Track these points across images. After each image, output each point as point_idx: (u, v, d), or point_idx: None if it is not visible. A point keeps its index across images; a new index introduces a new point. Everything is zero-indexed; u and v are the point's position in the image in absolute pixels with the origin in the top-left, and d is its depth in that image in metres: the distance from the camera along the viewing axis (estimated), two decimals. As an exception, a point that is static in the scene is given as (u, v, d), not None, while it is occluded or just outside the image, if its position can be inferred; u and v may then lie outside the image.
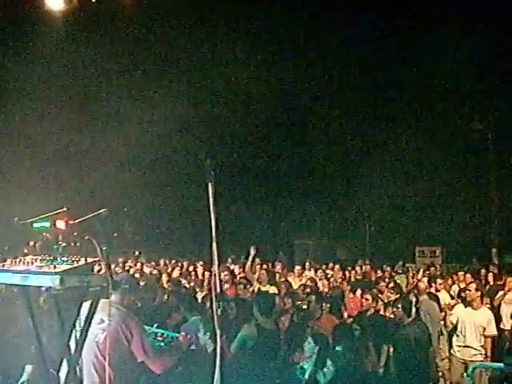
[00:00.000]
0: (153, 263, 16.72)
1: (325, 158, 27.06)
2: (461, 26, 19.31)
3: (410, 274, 15.06)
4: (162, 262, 17.48)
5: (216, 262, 3.90)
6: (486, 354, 8.86)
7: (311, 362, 6.56)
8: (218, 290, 3.94)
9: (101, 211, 3.92)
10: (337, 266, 16.48)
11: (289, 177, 27.80)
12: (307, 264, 16.25)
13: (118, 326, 4.88)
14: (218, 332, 3.93)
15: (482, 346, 8.93)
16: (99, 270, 4.32)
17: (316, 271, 14.88)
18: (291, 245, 28.50)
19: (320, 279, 13.11)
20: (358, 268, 16.65)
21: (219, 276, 4.11)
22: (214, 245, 3.89)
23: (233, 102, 23.73)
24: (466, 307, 9.24)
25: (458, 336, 9.19)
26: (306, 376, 6.54)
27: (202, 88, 23.03)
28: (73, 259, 3.74)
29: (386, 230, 28.12)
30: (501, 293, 11.39)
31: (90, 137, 23.38)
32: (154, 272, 13.49)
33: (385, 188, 26.33)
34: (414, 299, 9.93)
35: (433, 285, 11.97)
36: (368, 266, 16.86)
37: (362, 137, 26.31)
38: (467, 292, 9.30)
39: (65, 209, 4.02)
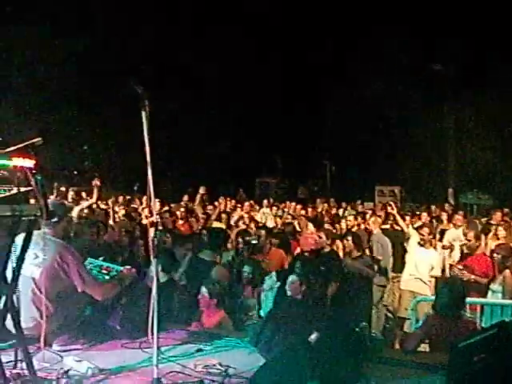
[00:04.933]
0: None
1: (288, 92, 26.85)
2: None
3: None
4: (120, 198, 17.36)
5: (152, 195, 3.87)
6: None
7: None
8: (155, 220, 3.94)
9: (34, 140, 3.83)
10: (295, 205, 16.61)
11: (253, 116, 27.57)
12: (265, 201, 16.36)
13: (53, 260, 4.85)
14: (154, 261, 3.97)
15: (429, 281, 9.22)
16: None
17: (271, 208, 15.01)
18: (253, 182, 28.61)
19: (276, 216, 13.24)
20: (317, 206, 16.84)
21: (159, 209, 4.12)
22: (150, 177, 3.85)
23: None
24: (420, 246, 9.50)
25: (410, 268, 9.47)
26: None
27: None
28: (5, 188, 3.68)
29: (346, 170, 28.34)
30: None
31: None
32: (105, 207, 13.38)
33: (346, 127, 26.44)
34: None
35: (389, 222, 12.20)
36: (326, 205, 17.07)
37: (328, 73, 26.12)
38: (425, 232, 9.57)
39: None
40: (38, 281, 4.80)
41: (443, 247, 10.81)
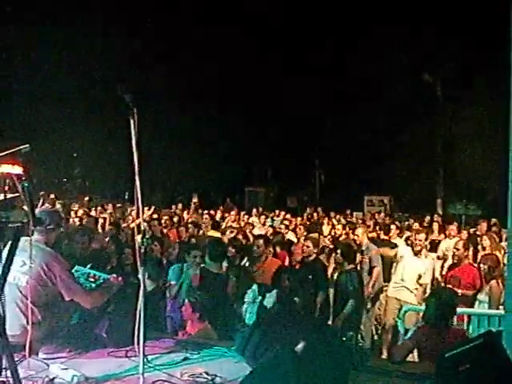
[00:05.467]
0: (99, 208, 16.58)
1: (276, 102, 26.91)
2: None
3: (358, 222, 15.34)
4: (110, 207, 17.34)
5: (140, 203, 3.87)
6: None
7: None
8: (142, 228, 3.94)
9: (21, 147, 3.82)
10: (284, 214, 16.65)
11: (242, 126, 27.60)
12: (254, 211, 16.39)
13: (40, 268, 4.83)
14: (141, 270, 3.97)
15: (416, 289, 9.24)
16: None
17: (259, 218, 15.04)
18: (242, 192, 28.63)
19: (264, 225, 13.27)
20: (305, 216, 16.88)
21: (149, 216, 4.12)
22: (138, 185, 3.86)
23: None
24: (414, 255, 9.51)
25: (397, 277, 9.49)
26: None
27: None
28: (-10, 195, 3.67)
29: (335, 179, 28.41)
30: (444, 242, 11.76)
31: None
32: (96, 216, 13.38)
33: (336, 137, 26.54)
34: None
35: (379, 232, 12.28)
36: (315, 214, 17.11)
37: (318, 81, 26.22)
38: (415, 241, 9.58)
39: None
40: (24, 288, 4.77)
41: (438, 257, 10.85)
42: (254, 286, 7.14)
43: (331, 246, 10.63)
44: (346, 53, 25.04)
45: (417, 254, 9.44)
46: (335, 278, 8.71)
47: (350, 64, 25.03)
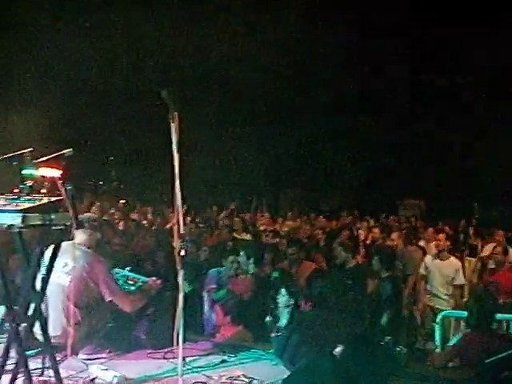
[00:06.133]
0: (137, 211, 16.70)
1: (313, 108, 26.81)
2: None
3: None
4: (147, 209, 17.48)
5: (180, 206, 3.91)
6: (456, 303, 8.97)
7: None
8: (182, 232, 3.97)
9: (65, 151, 3.90)
10: (319, 217, 16.59)
11: (276, 127, 27.52)
12: (289, 214, 16.39)
13: (82, 269, 4.93)
14: (180, 273, 4.01)
15: (448, 295, 9.05)
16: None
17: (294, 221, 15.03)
18: (277, 194, 28.61)
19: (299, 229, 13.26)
20: (340, 219, 16.78)
21: (184, 219, 4.17)
22: (178, 189, 3.90)
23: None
24: (434, 259, 9.30)
25: (427, 284, 9.32)
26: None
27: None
28: (36, 198, 3.75)
29: (370, 182, 28.17)
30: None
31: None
32: (134, 218, 13.47)
33: (370, 139, 26.35)
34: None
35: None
36: (350, 218, 17.01)
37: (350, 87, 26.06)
38: (435, 242, 9.37)
39: (30, 149, 3.98)
40: (66, 288, 4.87)
41: (481, 259, 10.52)
42: (288, 290, 7.12)
43: (366, 251, 10.53)
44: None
45: (439, 256, 9.21)
46: (372, 283, 8.60)
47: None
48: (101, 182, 29.20)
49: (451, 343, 6.40)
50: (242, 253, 7.49)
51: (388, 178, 26.75)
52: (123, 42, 21.63)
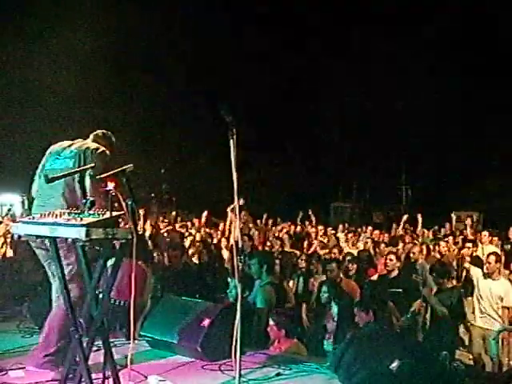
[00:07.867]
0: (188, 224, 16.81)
1: (363, 121, 26.73)
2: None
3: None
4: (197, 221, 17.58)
5: (238, 220, 3.98)
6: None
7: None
8: (240, 246, 4.03)
9: (126, 166, 4.01)
10: (371, 229, 16.46)
11: (327, 140, 27.50)
12: (341, 226, 16.30)
13: None
14: (239, 286, 4.06)
15: (499, 316, 8.81)
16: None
17: (347, 234, 14.95)
18: (328, 207, 28.51)
19: (348, 241, 13.26)
20: (392, 232, 16.63)
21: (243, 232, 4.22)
22: (237, 203, 3.97)
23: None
24: (485, 278, 9.05)
25: (478, 303, 9.07)
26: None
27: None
28: (99, 213, 3.86)
29: (423, 194, 27.82)
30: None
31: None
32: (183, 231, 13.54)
33: (422, 151, 26.08)
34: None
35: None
36: (402, 230, 16.82)
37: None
38: (487, 264, 9.09)
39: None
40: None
41: None
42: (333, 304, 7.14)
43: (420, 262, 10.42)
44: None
45: (492, 275, 8.86)
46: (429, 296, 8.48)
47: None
48: (152, 195, 29.53)
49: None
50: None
51: (442, 190, 26.38)
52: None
